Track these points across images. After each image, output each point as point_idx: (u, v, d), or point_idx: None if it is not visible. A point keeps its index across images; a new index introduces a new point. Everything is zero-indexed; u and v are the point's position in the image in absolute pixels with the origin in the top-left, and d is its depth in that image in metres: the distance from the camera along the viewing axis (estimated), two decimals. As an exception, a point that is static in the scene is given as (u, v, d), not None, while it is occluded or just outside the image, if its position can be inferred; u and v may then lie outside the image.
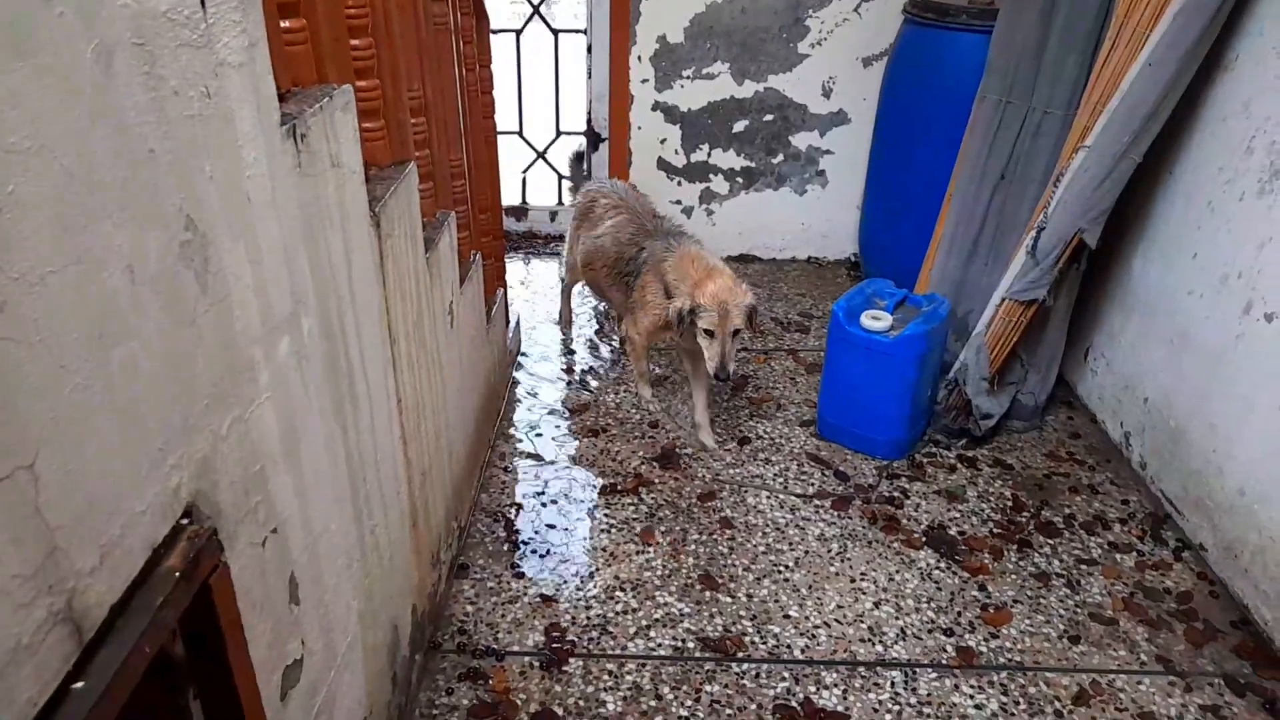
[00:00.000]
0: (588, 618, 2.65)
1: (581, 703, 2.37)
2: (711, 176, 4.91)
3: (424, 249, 2.39)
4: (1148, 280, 3.28)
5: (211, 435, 1.20)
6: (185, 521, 1.12)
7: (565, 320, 4.36)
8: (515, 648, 2.54)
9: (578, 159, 4.52)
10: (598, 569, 2.84)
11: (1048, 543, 2.98)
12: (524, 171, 5.29)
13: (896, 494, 3.20)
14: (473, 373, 3.12)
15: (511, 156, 4.82)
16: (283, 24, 1.58)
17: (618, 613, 2.68)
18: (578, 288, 4.35)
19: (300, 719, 1.52)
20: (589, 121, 5.02)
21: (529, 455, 3.40)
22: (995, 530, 3.03)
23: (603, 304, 4.30)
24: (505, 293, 3.82)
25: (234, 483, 1.26)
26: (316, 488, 1.58)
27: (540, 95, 5.25)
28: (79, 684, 0.90)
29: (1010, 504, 3.16)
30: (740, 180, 4.92)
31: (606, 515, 3.09)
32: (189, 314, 1.14)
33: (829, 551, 2.93)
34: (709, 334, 3.11)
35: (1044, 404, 3.58)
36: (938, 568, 2.87)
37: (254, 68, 1.32)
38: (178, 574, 1.06)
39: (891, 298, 3.37)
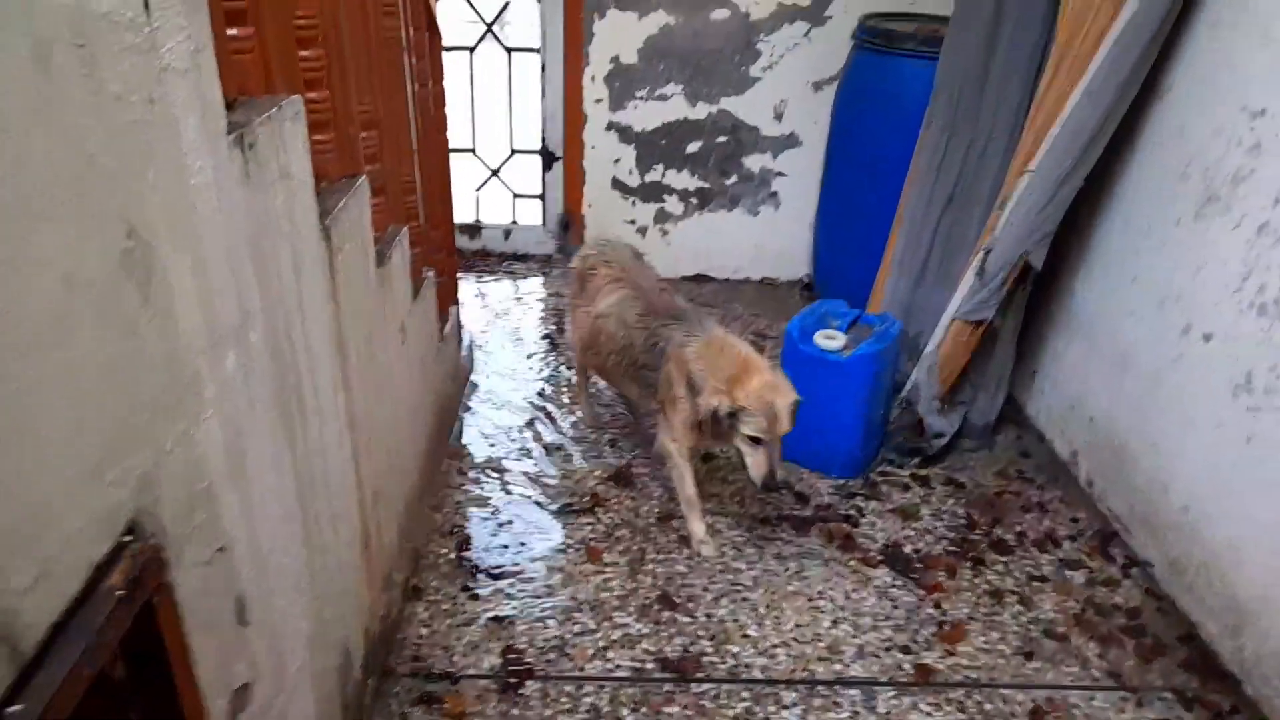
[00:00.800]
0: (545, 639, 2.60)
1: (539, 728, 2.32)
2: (666, 197, 4.93)
3: (376, 264, 2.35)
4: (1089, 303, 3.36)
5: (155, 450, 1.15)
6: (128, 539, 1.07)
7: (587, 415, 3.72)
8: (471, 671, 2.49)
9: (564, 225, 4.20)
10: (554, 589, 2.80)
11: (1000, 560, 3.01)
12: (477, 189, 5.26)
13: (852, 512, 3.21)
14: (425, 391, 3.07)
15: (465, 174, 4.79)
16: (230, 31, 1.54)
17: (575, 634, 2.63)
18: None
19: (247, 749, 1.46)
20: (543, 140, 5.01)
21: (483, 475, 3.35)
22: (949, 548, 3.06)
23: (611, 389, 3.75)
24: (458, 310, 3.77)
25: (178, 500, 1.21)
26: (264, 506, 1.53)
27: (493, 113, 5.24)
28: (15, 707, 0.85)
29: (963, 522, 3.19)
30: (694, 201, 4.94)
31: (563, 535, 3.05)
32: (130, 324, 1.09)
33: (786, 570, 2.92)
34: (755, 441, 2.67)
35: (994, 423, 3.63)
36: (894, 586, 2.88)
37: (200, 74, 1.28)
38: (119, 594, 1.01)
39: (845, 318, 3.40)
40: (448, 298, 3.57)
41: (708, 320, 2.93)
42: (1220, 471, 2.61)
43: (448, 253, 3.61)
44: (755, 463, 2.70)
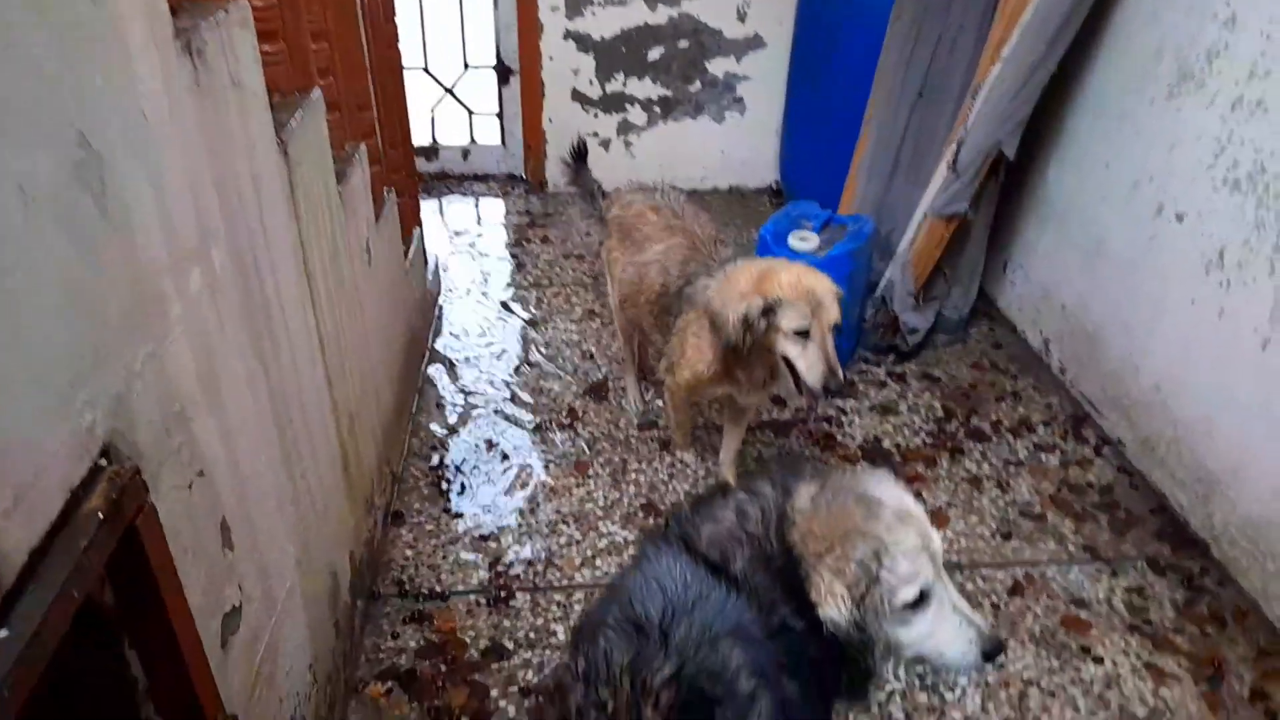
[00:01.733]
0: (532, 552, 2.62)
1: (532, 634, 2.35)
2: (628, 107, 4.81)
3: (336, 181, 2.27)
4: (1062, 190, 3.35)
5: (125, 371, 1.10)
6: (104, 462, 1.04)
7: (635, 397, 3.29)
8: (460, 588, 2.50)
9: (578, 154, 3.43)
10: (538, 504, 2.81)
11: (977, 448, 3.06)
12: (432, 109, 5.09)
13: (832, 412, 3.24)
14: (394, 314, 3.01)
15: (418, 94, 4.63)
16: (167, -68, 1.44)
17: (562, 545, 2.65)
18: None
19: (244, 668, 1.45)
20: (498, 54, 4.84)
21: (458, 397, 3.32)
22: (927, 440, 3.10)
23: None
24: (421, 233, 3.69)
25: (153, 423, 1.17)
26: (242, 429, 1.49)
27: (445, 28, 5.04)
28: (2, 632, 0.82)
29: (940, 414, 3.23)
30: (658, 110, 4.83)
31: (543, 451, 3.05)
32: (89, 240, 1.03)
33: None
34: (801, 335, 2.30)
35: (967, 317, 3.65)
36: (874, 480, 2.92)
37: (141, -26, 1.19)
38: (100, 516, 0.98)
39: (817, 219, 3.37)
40: (410, 219, 3.48)
41: (742, 258, 2.59)
42: (1192, 348, 2.64)
43: (407, 173, 3.50)
44: (808, 363, 2.30)
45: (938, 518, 2.74)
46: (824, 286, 2.31)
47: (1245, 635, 2.38)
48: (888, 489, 1.46)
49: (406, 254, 3.31)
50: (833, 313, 2.30)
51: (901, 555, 1.37)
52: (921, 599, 1.38)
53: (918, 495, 2.78)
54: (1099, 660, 2.31)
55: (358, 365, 2.42)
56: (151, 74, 1.21)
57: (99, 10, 1.07)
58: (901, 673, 2.26)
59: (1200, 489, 2.63)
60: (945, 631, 1.41)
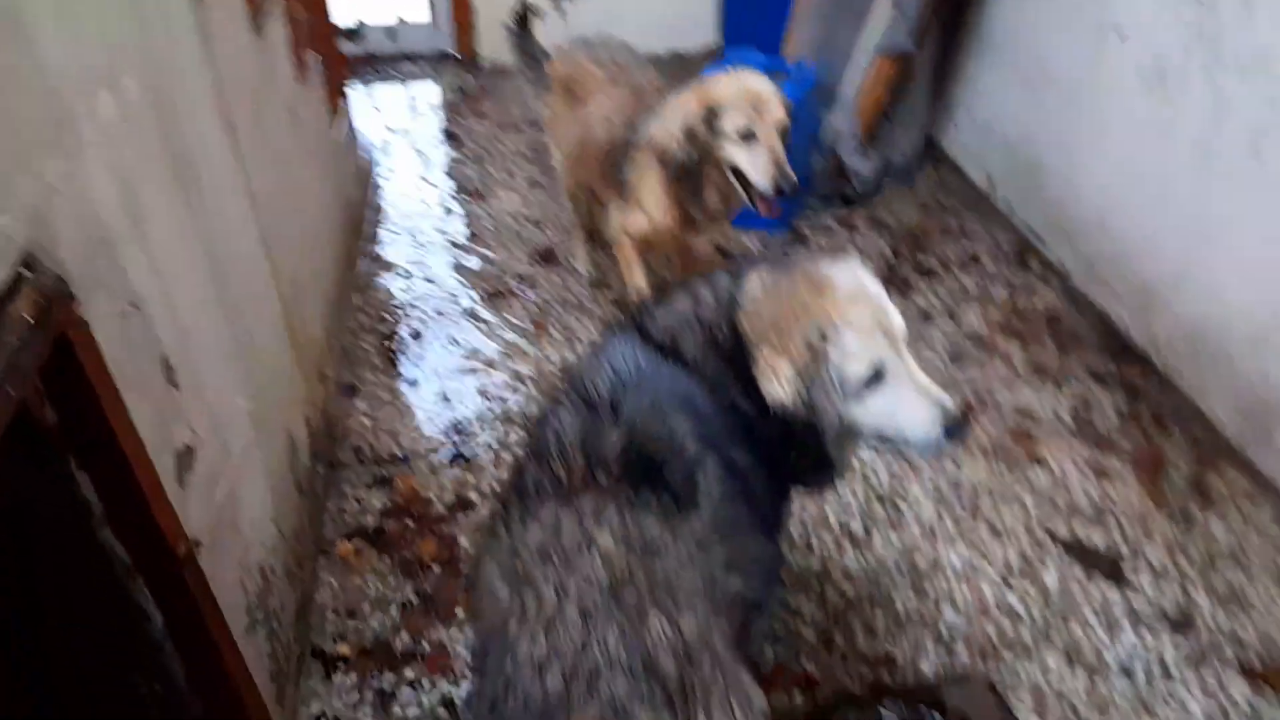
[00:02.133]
0: (491, 411, 2.63)
1: (496, 486, 2.37)
2: (557, -30, 4.61)
3: (253, 34, 2.16)
4: (1005, 22, 3.30)
5: (39, 185, 1.06)
6: (26, 272, 1.00)
7: (585, 264, 3.20)
8: (421, 449, 2.51)
9: (521, 20, 3.19)
10: (494, 368, 2.80)
11: (927, 284, 3.10)
12: (352, -14, 4.84)
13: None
14: (329, 183, 2.92)
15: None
16: None
17: (521, 403, 2.66)
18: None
19: (204, 509, 1.44)
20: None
21: (404, 272, 3.26)
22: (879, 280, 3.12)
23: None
24: (348, 105, 3.54)
25: (76, 243, 1.12)
26: (174, 272, 1.45)
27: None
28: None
29: (890, 256, 3.26)
30: (588, -29, 4.63)
31: (495, 318, 3.02)
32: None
33: (722, 320, 2.96)
34: (746, 138, 2.22)
35: (913, 161, 3.64)
36: (826, 320, 2.95)
37: None
38: (29, 319, 0.94)
39: (759, 67, 3.27)
40: (336, 90, 3.34)
41: None
42: (1133, 166, 2.67)
43: (329, 42, 3.34)
44: (757, 166, 2.22)
45: (890, 350, 2.79)
46: (768, 87, 2.24)
47: (1184, 433, 2.49)
48: (843, 270, 1.47)
49: (336, 125, 3.20)
50: (777, 112, 2.23)
51: (850, 332, 1.38)
52: (876, 377, 1.40)
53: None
54: (1047, 466, 2.40)
55: (295, 231, 2.35)
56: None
57: None
58: (860, 490, 2.34)
59: (1140, 302, 2.70)
60: (905, 409, 1.43)
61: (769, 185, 2.23)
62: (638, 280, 2.77)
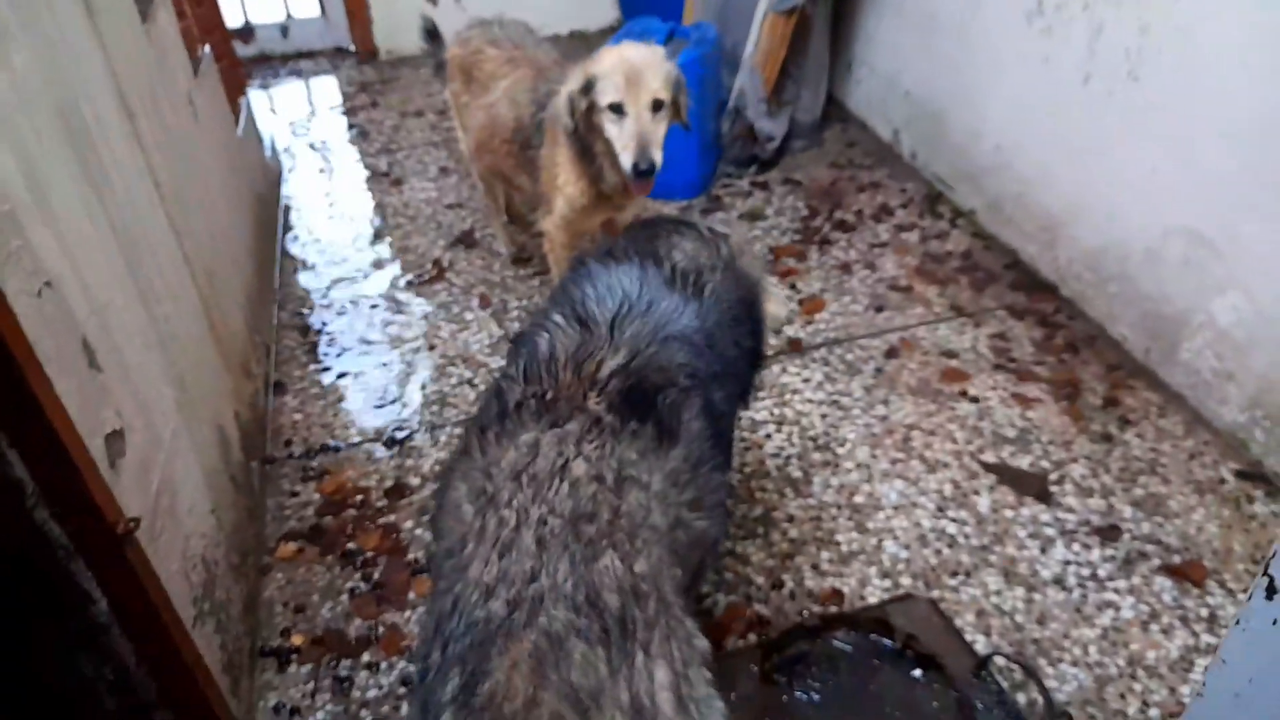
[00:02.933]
0: (424, 395, 2.59)
1: (436, 467, 2.35)
2: (449, -44, 4.55)
3: (140, 20, 2.08)
4: (893, -25, 3.39)
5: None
6: (-77, 243, 0.95)
7: (505, 240, 3.18)
8: (355, 439, 2.46)
9: (431, 34, 3.18)
10: (421, 353, 2.76)
11: (843, 238, 3.17)
12: (238, -17, 4.70)
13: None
14: (236, 178, 2.84)
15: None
16: None
17: (453, 385, 2.63)
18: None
19: (138, 494, 1.39)
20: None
21: (319, 267, 3.19)
22: (796, 238, 3.18)
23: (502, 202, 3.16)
24: (248, 103, 3.45)
25: (-24, 216, 1.07)
26: (83, 250, 1.40)
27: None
28: None
29: (805, 214, 3.32)
30: (481, -45, 4.58)
31: (421, 305, 2.98)
32: None
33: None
34: (616, 111, 2.19)
35: (820, 120, 3.72)
36: (750, 279, 2.99)
37: None
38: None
39: (659, 33, 3.31)
40: (234, 87, 3.24)
41: None
42: (1024, 101, 2.78)
43: (220, 37, 3.25)
44: (622, 141, 2.19)
45: (814, 303, 2.85)
46: (647, 61, 2.18)
47: (1096, 356, 2.60)
48: None
49: (237, 123, 3.11)
50: (651, 86, 2.17)
51: None
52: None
53: (792, 287, 2.90)
54: (971, 398, 2.49)
55: (205, 224, 2.28)
56: None
57: None
58: (797, 438, 2.39)
59: (1045, 236, 2.81)
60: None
61: (629, 163, 2.19)
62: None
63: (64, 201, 1.36)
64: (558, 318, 1.39)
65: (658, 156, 2.18)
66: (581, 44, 4.86)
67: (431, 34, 3.14)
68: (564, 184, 2.44)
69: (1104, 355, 2.60)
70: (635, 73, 2.16)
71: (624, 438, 1.20)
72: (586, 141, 2.28)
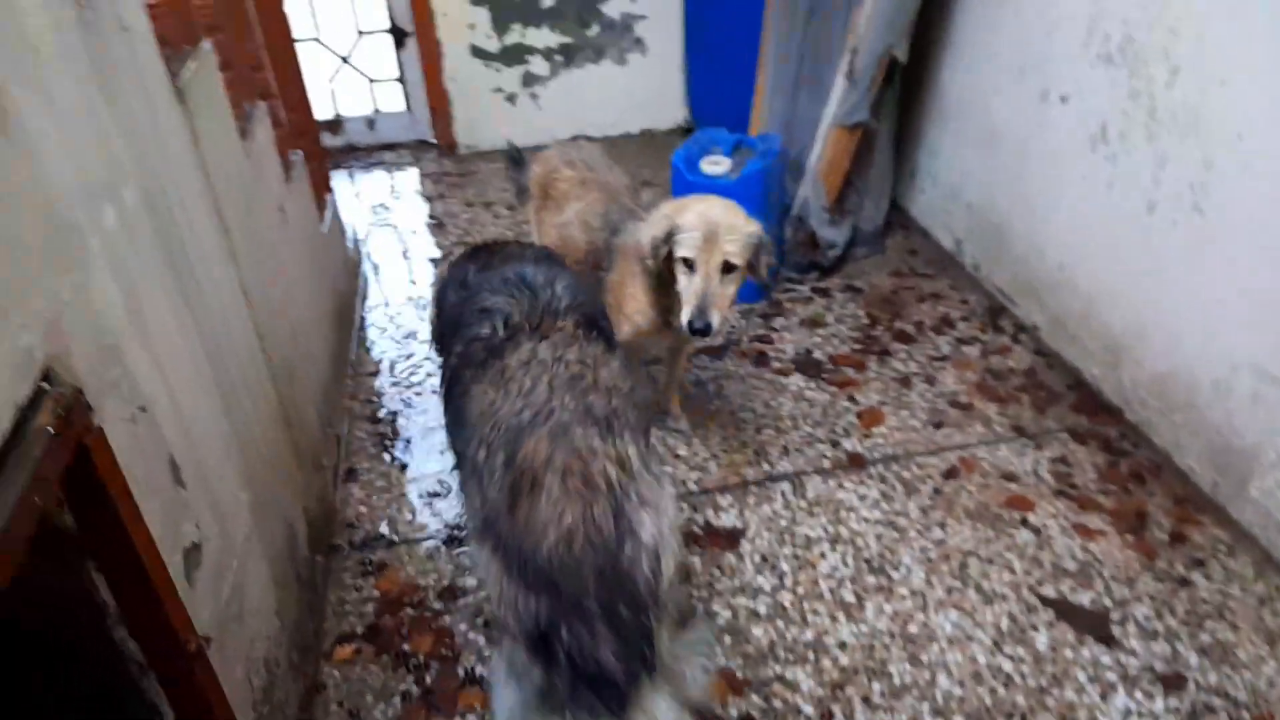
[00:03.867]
0: (484, 493, 2.65)
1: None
2: (529, 58, 4.78)
3: (239, 138, 2.24)
4: (956, 88, 3.46)
5: (53, 299, 1.10)
6: (46, 385, 1.04)
7: None
8: (417, 535, 2.52)
9: (515, 160, 3.30)
10: (485, 448, 2.83)
11: (903, 349, 3.18)
12: (330, 80, 4.98)
13: (761, 331, 3.32)
14: (318, 276, 2.98)
15: (314, 65, 4.52)
16: None
17: (513, 483, 2.68)
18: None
19: (211, 603, 1.46)
20: (390, 17, 4.75)
21: (396, 360, 3.31)
22: (855, 347, 3.21)
23: None
24: (334, 199, 3.63)
25: (89, 353, 1.17)
26: (177, 371, 1.49)
27: (333, -5, 4.93)
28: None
29: (865, 322, 3.35)
30: (559, 58, 4.81)
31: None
32: (-2, 163, 1.03)
33: (707, 392, 3.03)
34: (688, 265, 2.27)
35: (882, 228, 3.77)
36: (809, 388, 3.02)
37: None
38: (51, 430, 0.98)
39: (726, 143, 3.42)
40: (321, 184, 3.43)
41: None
42: (1088, 222, 2.79)
43: (312, 138, 3.44)
44: (686, 295, 2.28)
45: (873, 416, 2.86)
46: (727, 223, 2.25)
47: (1162, 487, 2.55)
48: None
49: (322, 218, 3.28)
50: (725, 249, 2.24)
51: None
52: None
53: (850, 399, 2.91)
54: (1031, 526, 2.45)
55: (288, 324, 2.40)
56: (34, 8, 1.20)
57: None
58: (851, 559, 2.37)
59: (1109, 357, 2.79)
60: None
61: (685, 316, 2.27)
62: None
63: (160, 324, 1.46)
64: (500, 298, 1.86)
65: (715, 319, 2.25)
66: (650, 142, 5.03)
67: (515, 160, 3.27)
68: (632, 312, 2.52)
69: (1170, 486, 2.54)
70: (713, 233, 2.24)
71: (591, 342, 1.76)
72: (665, 279, 2.36)
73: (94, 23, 1.41)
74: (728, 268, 2.26)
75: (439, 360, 2.05)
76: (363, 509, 2.63)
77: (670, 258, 2.31)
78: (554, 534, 1.39)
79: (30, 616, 1.05)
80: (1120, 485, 2.57)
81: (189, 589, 1.35)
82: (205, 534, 1.49)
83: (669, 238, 2.29)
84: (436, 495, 2.66)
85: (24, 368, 1.00)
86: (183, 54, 1.96)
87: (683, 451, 2.78)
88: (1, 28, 1.10)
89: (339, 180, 4.58)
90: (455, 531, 2.51)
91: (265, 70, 2.81)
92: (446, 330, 2.03)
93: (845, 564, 2.36)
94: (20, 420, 0.96)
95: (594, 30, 4.75)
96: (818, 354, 3.18)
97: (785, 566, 2.36)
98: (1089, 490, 2.56)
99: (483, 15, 4.63)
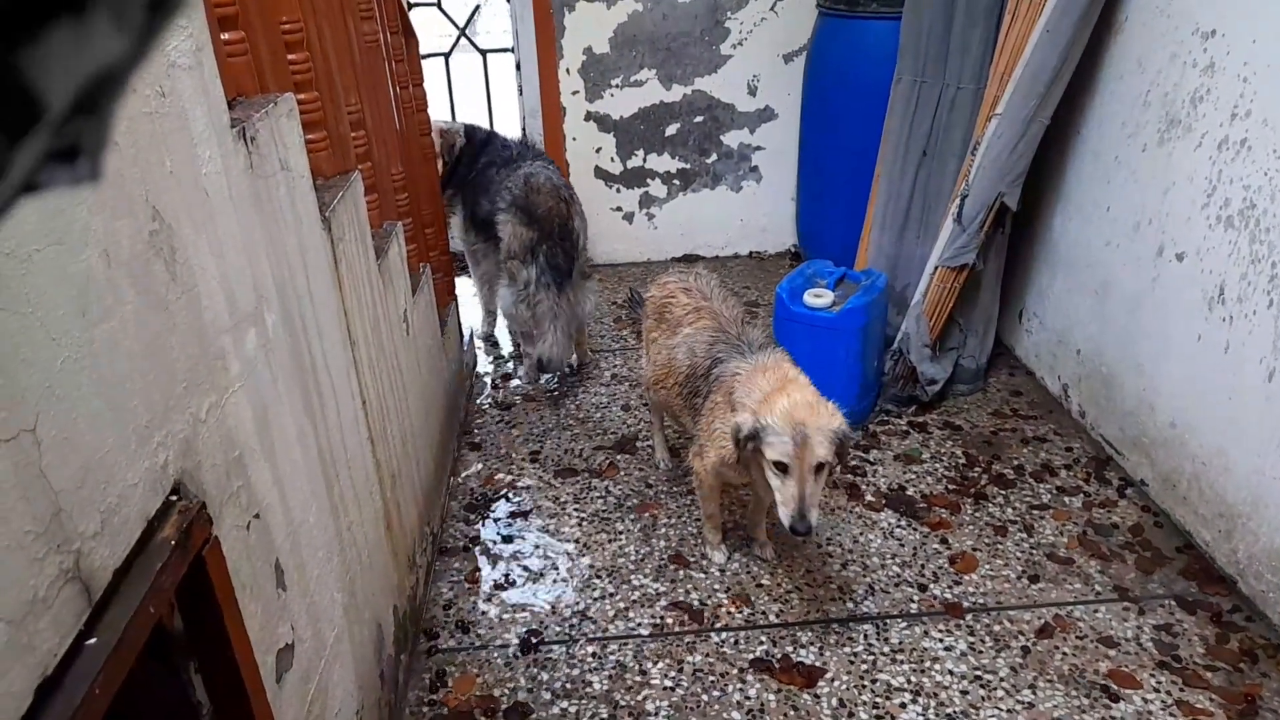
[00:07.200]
0: (566, 605, 2.70)
1: (568, 685, 2.42)
2: (649, 181, 5.03)
3: (375, 256, 2.45)
4: (1068, 236, 3.45)
5: (191, 418, 1.24)
6: (174, 498, 1.17)
7: (661, 457, 3.38)
8: (497, 641, 2.58)
9: (635, 302, 3.48)
10: (572, 560, 2.90)
11: (1001, 493, 3.11)
12: (464, 192, 5.35)
13: (855, 462, 3.31)
14: (432, 382, 3.17)
15: (450, 176, 4.88)
16: (223, 35, 1.64)
17: (595, 599, 2.73)
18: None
19: (296, 704, 1.55)
20: (524, 136, 5.10)
21: (494, 460, 3.44)
22: (951, 487, 3.15)
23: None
24: (457, 307, 3.87)
25: (216, 466, 1.31)
26: (293, 479, 1.63)
27: (474, 116, 5.32)
28: (92, 639, 0.94)
29: (963, 461, 3.29)
30: (677, 182, 5.03)
31: (575, 508, 3.14)
32: (161, 299, 1.19)
33: (794, 521, 3.02)
34: (781, 468, 2.29)
35: (985, 366, 3.73)
36: (900, 526, 2.97)
37: (202, 71, 1.38)
38: (173, 544, 1.10)
39: (831, 276, 3.49)
40: (445, 294, 3.66)
41: (773, 350, 2.60)
42: (1202, 383, 2.70)
43: (441, 251, 3.70)
44: (782, 498, 2.29)
45: (966, 561, 2.79)
46: (817, 423, 2.25)
47: (1277, 669, 2.38)
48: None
49: (444, 325, 3.49)
50: (819, 452, 2.25)
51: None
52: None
53: (942, 541, 2.86)
54: (1130, 700, 2.32)
55: (399, 428, 2.56)
56: (211, 158, 1.39)
57: (167, 101, 1.25)
58: (934, 713, 2.29)
59: (1223, 524, 2.65)
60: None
61: (786, 521, 2.30)
62: (712, 525, 2.88)
63: (283, 435, 1.60)
64: (541, 267, 3.39)
65: (814, 517, 2.29)
66: (759, 265, 5.16)
67: (635, 302, 3.45)
68: (720, 440, 2.56)
69: (1288, 668, 2.37)
70: (804, 438, 2.24)
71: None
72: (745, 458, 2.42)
73: (260, 166, 1.62)
74: (819, 468, 2.29)
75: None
76: (448, 610, 2.72)
77: (756, 450, 2.33)
78: (543, 207, 3.17)
79: (127, 713, 1.15)
80: (1231, 663, 2.41)
81: (277, 690, 1.44)
82: (299, 635, 1.59)
83: (755, 435, 2.31)
84: (520, 602, 2.72)
85: (158, 482, 1.14)
86: (334, 184, 2.19)
87: (765, 581, 2.77)
88: (182, 174, 1.28)
89: (464, 284, 4.86)
90: (531, 638, 2.56)
91: (406, 192, 3.07)
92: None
93: (927, 718, 2.29)
94: (148, 531, 1.09)
95: (712, 158, 4.97)
96: (911, 491, 3.14)
97: (864, 715, 2.30)
98: (1195, 665, 2.41)
99: (609, 141, 4.91)
